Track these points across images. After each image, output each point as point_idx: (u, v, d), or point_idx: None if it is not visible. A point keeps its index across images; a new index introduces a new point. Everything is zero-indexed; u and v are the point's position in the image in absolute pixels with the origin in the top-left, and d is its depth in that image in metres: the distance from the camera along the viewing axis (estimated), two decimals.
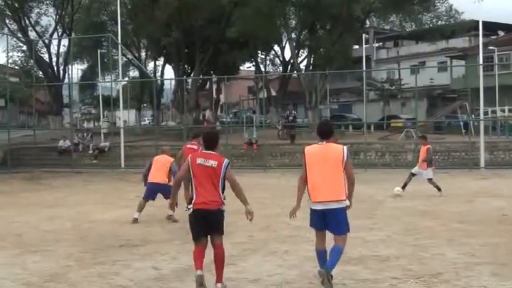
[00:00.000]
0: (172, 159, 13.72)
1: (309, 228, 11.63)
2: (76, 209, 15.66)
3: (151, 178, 13.30)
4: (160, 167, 13.40)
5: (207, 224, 7.23)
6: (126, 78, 60.93)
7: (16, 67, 53.35)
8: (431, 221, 12.40)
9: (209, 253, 7.32)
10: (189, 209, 7.31)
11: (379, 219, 13.08)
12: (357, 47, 56.30)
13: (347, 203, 7.28)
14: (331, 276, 7.12)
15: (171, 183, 11.06)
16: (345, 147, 7.38)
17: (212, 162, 7.29)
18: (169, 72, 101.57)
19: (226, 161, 7.37)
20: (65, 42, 49.49)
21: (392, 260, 8.83)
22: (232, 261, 8.86)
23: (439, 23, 49.12)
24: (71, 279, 7.98)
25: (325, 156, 7.25)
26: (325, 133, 7.45)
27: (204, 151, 7.64)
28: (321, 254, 7.37)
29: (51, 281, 7.86)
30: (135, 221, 12.92)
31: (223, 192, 7.28)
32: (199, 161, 7.37)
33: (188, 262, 8.59)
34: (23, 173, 29.44)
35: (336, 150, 7.29)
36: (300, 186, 7.40)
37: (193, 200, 7.27)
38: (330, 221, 7.22)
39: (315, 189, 7.22)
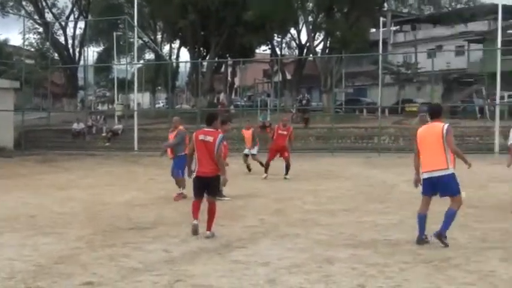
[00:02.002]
0: None
1: (320, 212, 11.78)
2: (88, 192, 15.72)
3: None
4: None
5: (204, 187, 9.27)
6: (142, 61, 60.94)
7: (32, 49, 53.55)
8: (444, 206, 12.25)
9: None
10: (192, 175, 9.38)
11: (391, 204, 13.04)
12: (373, 30, 55.72)
13: (452, 170, 8.58)
14: (445, 237, 8.60)
15: None
16: (446, 125, 8.63)
17: (209, 138, 9.13)
18: (184, 55, 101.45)
19: (220, 135, 9.22)
20: (81, 24, 49.84)
21: (403, 244, 8.79)
22: (243, 244, 8.88)
23: (458, 6, 48.47)
24: (82, 261, 7.99)
25: (430, 133, 8.69)
26: (433, 114, 8.99)
27: (204, 128, 9.46)
28: (421, 219, 8.79)
29: (61, 263, 7.87)
30: None
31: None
32: (201, 137, 9.21)
33: (199, 245, 8.66)
34: (37, 155, 29.63)
35: (437, 128, 8.60)
36: (415, 161, 8.95)
37: (195, 169, 9.26)
38: (439, 187, 8.69)
39: (424, 161, 8.69)
